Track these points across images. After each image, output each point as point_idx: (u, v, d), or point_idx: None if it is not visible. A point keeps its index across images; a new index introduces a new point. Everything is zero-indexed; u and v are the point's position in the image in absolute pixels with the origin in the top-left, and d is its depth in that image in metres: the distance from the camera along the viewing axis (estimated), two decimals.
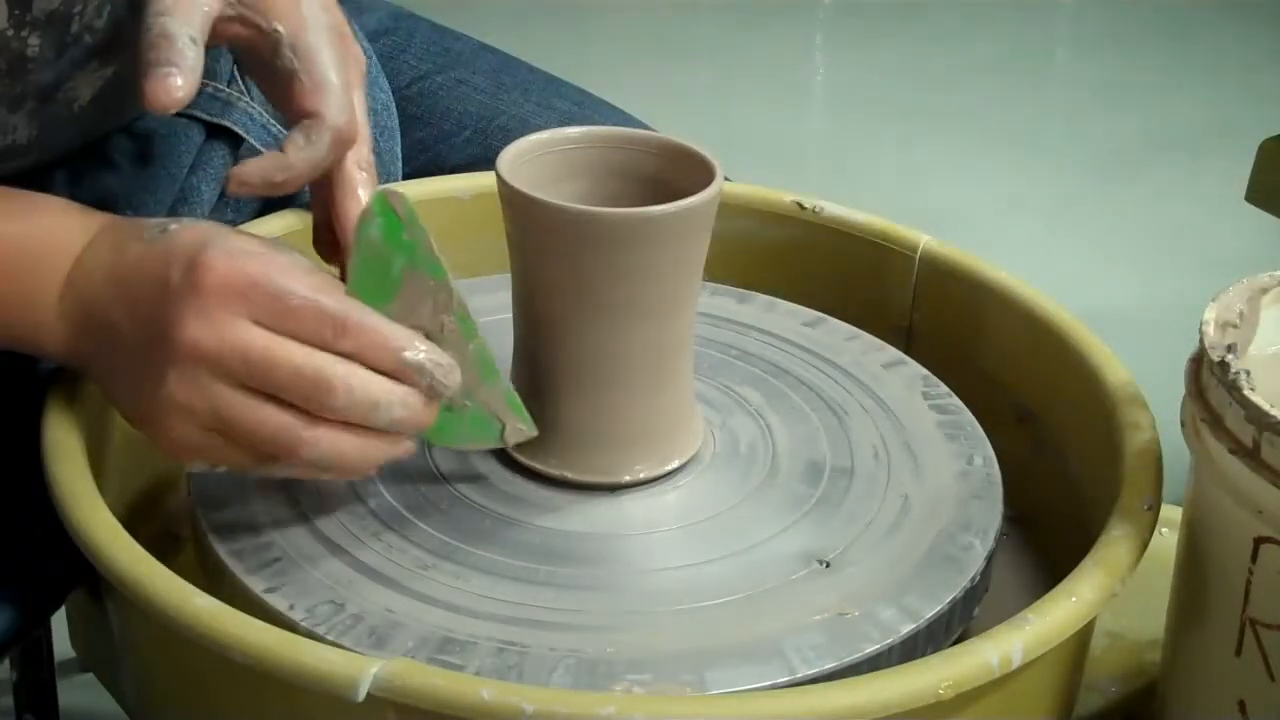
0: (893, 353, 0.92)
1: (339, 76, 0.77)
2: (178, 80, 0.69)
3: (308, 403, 0.68)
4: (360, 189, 0.79)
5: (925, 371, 0.90)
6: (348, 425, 0.69)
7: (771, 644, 0.70)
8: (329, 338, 0.68)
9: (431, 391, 0.70)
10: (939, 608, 0.72)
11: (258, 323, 0.67)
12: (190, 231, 0.70)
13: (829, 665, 0.68)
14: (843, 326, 0.94)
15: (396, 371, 0.69)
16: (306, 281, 0.69)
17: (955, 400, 0.88)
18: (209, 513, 0.76)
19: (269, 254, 0.69)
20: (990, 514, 0.79)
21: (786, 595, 0.73)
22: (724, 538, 0.76)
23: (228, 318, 0.67)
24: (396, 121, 1.03)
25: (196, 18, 0.72)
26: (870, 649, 0.70)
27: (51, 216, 0.76)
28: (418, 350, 0.69)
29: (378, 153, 1.01)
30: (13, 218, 0.75)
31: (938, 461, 0.83)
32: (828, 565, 0.74)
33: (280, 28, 0.76)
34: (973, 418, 0.87)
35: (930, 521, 0.78)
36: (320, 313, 0.68)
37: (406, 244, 0.71)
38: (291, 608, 0.70)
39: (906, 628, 0.71)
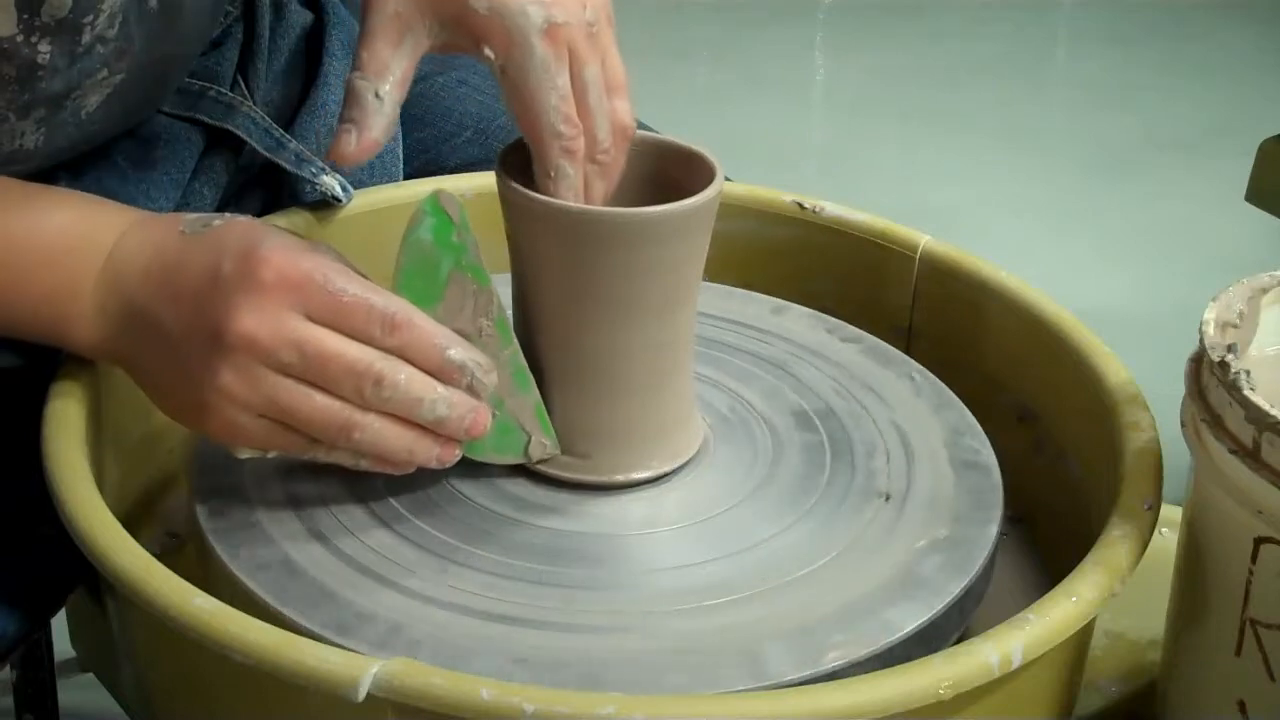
0: (891, 351, 0.92)
1: (549, 93, 0.75)
2: (353, 137, 0.74)
3: (357, 394, 0.70)
4: (555, 172, 0.77)
5: (925, 371, 0.90)
6: (395, 417, 0.71)
7: (771, 643, 0.70)
8: (377, 334, 0.70)
9: (471, 390, 0.72)
10: (939, 608, 0.72)
11: (309, 317, 0.69)
12: (238, 227, 0.72)
13: (829, 665, 0.68)
14: (844, 327, 0.94)
15: (438, 369, 0.71)
16: (358, 280, 0.71)
17: (955, 400, 0.88)
18: (209, 513, 0.76)
19: (319, 252, 0.71)
20: (990, 514, 0.79)
21: (787, 595, 0.73)
22: (724, 537, 0.76)
23: (283, 311, 0.69)
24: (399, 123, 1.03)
25: (390, 73, 0.75)
26: (870, 649, 0.69)
27: (82, 209, 0.77)
28: (459, 350, 0.71)
29: (381, 156, 1.01)
30: (43, 211, 0.76)
31: (937, 461, 0.83)
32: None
33: (489, 52, 0.75)
34: (972, 417, 0.87)
35: (929, 522, 0.78)
36: (370, 310, 0.70)
37: (455, 246, 0.73)
38: (291, 608, 0.70)
39: (906, 628, 0.71)
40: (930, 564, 0.75)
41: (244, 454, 0.73)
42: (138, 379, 0.76)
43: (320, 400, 0.70)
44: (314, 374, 0.70)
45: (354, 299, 0.70)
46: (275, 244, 0.70)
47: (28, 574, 0.83)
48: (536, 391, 0.76)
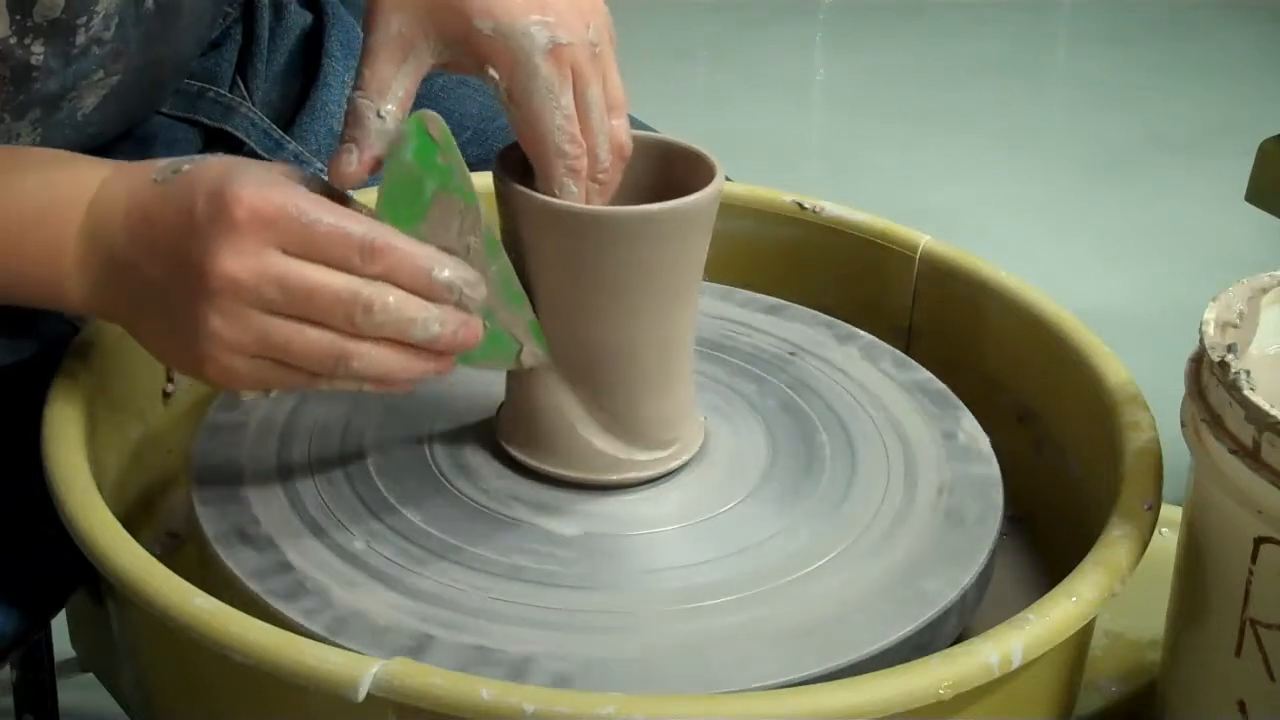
0: (891, 351, 0.92)
1: (554, 113, 0.75)
2: (354, 156, 0.73)
3: (348, 323, 0.69)
4: (560, 190, 0.77)
5: (925, 371, 0.90)
6: (389, 341, 0.71)
7: (771, 643, 0.70)
8: (359, 262, 0.69)
9: (460, 306, 0.71)
10: (939, 608, 0.72)
11: (287, 251, 0.69)
12: (208, 167, 0.71)
13: (829, 665, 0.68)
14: (843, 327, 0.94)
15: (426, 289, 0.71)
16: (331, 208, 0.70)
17: (955, 400, 0.88)
18: (209, 513, 0.76)
19: (292, 182, 0.70)
20: (990, 514, 0.79)
21: (787, 595, 0.73)
22: (724, 537, 0.76)
23: (260, 248, 0.68)
24: None
25: (392, 92, 0.75)
26: (870, 649, 0.70)
27: (61, 166, 0.76)
28: (444, 268, 0.71)
29: None
30: (22, 171, 0.75)
31: (937, 461, 0.83)
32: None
33: (493, 73, 0.75)
34: (972, 417, 0.87)
35: (930, 521, 0.78)
36: (349, 238, 0.69)
37: (440, 168, 0.72)
38: (291, 607, 0.70)
39: (906, 628, 0.71)
40: (930, 564, 0.75)
41: (247, 396, 0.73)
42: (133, 332, 0.75)
43: (312, 334, 0.70)
44: (301, 308, 0.69)
45: (330, 228, 0.69)
46: (245, 180, 0.69)
47: (28, 574, 0.83)
48: (529, 308, 0.76)
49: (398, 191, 0.72)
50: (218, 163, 0.71)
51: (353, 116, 0.75)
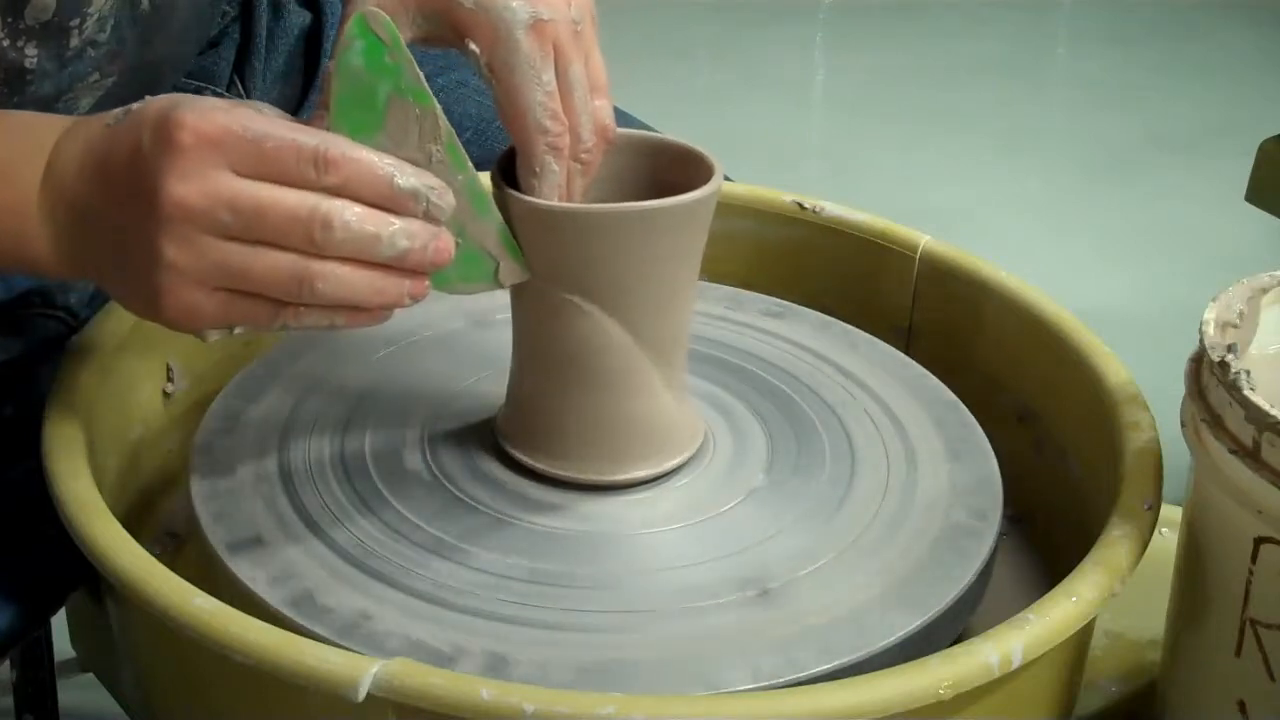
0: (891, 351, 0.92)
1: (535, 88, 0.74)
2: (325, 122, 0.71)
3: (308, 242, 0.66)
4: (541, 168, 0.75)
5: (925, 371, 0.90)
6: (354, 261, 0.67)
7: (771, 643, 0.70)
8: (313, 176, 0.66)
9: (429, 217, 0.68)
10: (939, 608, 0.72)
11: (238, 172, 0.66)
12: (154, 102, 0.68)
13: (829, 665, 0.68)
14: (844, 327, 0.94)
15: (389, 200, 0.67)
16: (281, 123, 0.67)
17: (955, 400, 0.88)
18: (209, 513, 0.76)
19: (236, 104, 0.68)
20: (990, 514, 0.79)
21: (786, 595, 0.73)
22: (724, 538, 0.76)
23: (208, 170, 0.65)
24: None
25: None
26: (870, 649, 0.70)
27: (20, 124, 0.74)
28: (407, 176, 0.67)
29: None
30: None
31: (937, 461, 0.83)
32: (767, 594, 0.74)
33: (474, 46, 0.74)
34: (972, 418, 0.87)
35: (930, 521, 0.78)
36: (300, 150, 0.66)
37: (390, 68, 0.68)
38: (291, 607, 0.70)
39: (906, 628, 0.71)
40: (930, 564, 0.75)
41: (211, 336, 0.69)
42: (101, 283, 0.73)
43: (271, 256, 0.66)
44: (257, 230, 0.66)
45: (279, 142, 0.65)
46: (189, 106, 0.66)
47: (28, 573, 0.83)
48: (498, 214, 0.73)
49: (350, 100, 0.68)
50: (163, 98, 0.69)
51: (326, 84, 0.72)
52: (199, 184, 0.65)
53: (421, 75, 0.68)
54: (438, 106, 0.69)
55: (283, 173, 0.66)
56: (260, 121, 0.66)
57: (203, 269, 0.66)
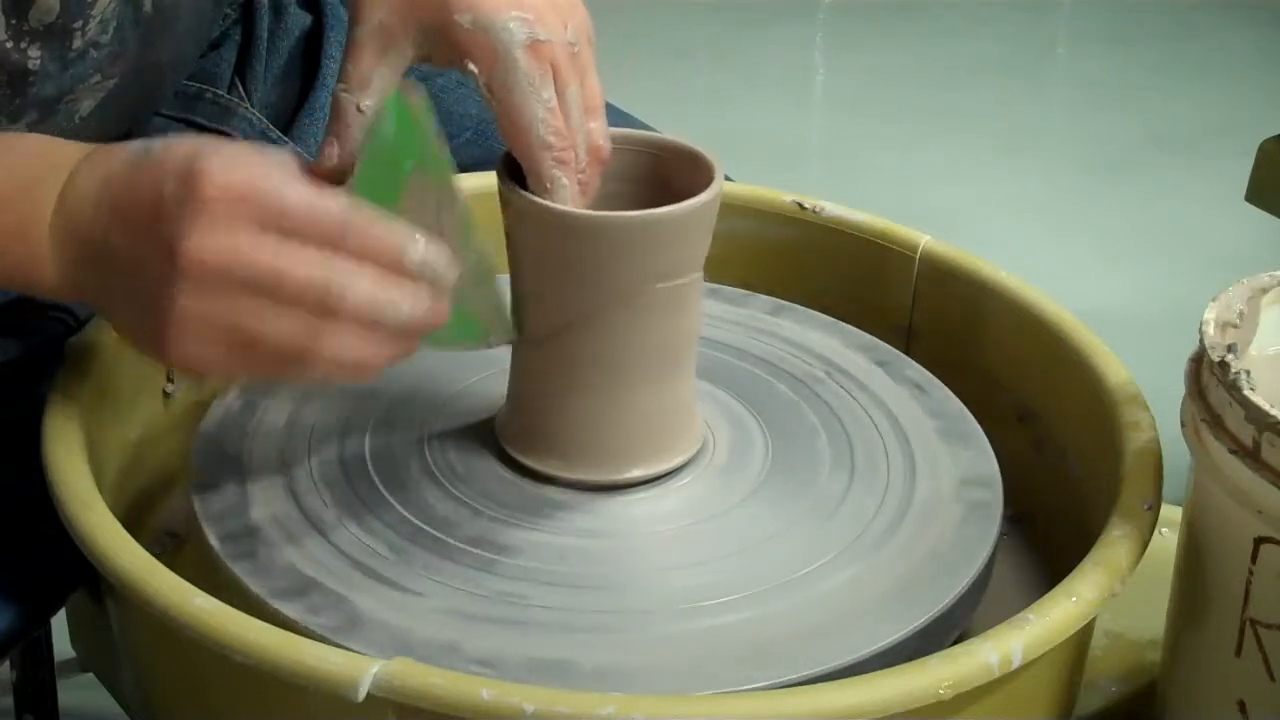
0: (891, 352, 0.92)
1: (536, 105, 0.75)
2: (334, 150, 0.73)
3: (320, 307, 0.67)
4: (552, 184, 0.76)
5: (924, 371, 0.90)
6: (360, 325, 0.68)
7: (771, 643, 0.70)
8: (332, 241, 0.67)
9: (434, 288, 0.69)
10: (939, 608, 0.72)
11: (261, 227, 0.67)
12: (178, 147, 0.69)
13: (829, 665, 0.68)
14: (843, 327, 0.94)
15: (398, 268, 0.68)
16: (306, 184, 0.68)
17: (954, 400, 0.88)
18: (209, 514, 0.76)
19: (263, 159, 0.69)
20: (990, 514, 0.79)
21: (786, 596, 0.73)
22: (724, 538, 0.76)
23: (231, 225, 0.66)
24: None
25: (373, 86, 0.75)
26: (870, 649, 0.70)
27: (36, 148, 0.75)
28: (417, 248, 0.69)
29: None
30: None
31: (937, 461, 0.83)
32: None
33: (472, 66, 0.75)
34: (972, 418, 0.87)
35: (930, 521, 0.78)
36: (322, 217, 0.67)
37: (418, 143, 0.70)
38: (291, 607, 0.70)
39: (906, 628, 0.71)
40: (930, 564, 0.75)
41: (211, 384, 0.71)
42: (103, 313, 0.74)
43: (283, 319, 0.67)
44: (271, 290, 0.67)
45: (304, 207, 0.67)
46: (215, 157, 0.67)
47: (28, 573, 0.83)
48: (498, 286, 0.75)
49: (376, 169, 0.70)
50: (188, 142, 0.70)
51: (335, 111, 0.74)
52: (221, 240, 0.66)
53: (446, 147, 0.71)
54: (456, 180, 0.71)
55: (304, 235, 0.67)
56: (286, 181, 0.67)
57: (216, 324, 0.67)
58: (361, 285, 0.67)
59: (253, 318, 0.67)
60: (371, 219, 0.68)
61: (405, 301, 0.68)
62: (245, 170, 0.67)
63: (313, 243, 0.67)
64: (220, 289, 0.67)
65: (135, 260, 0.68)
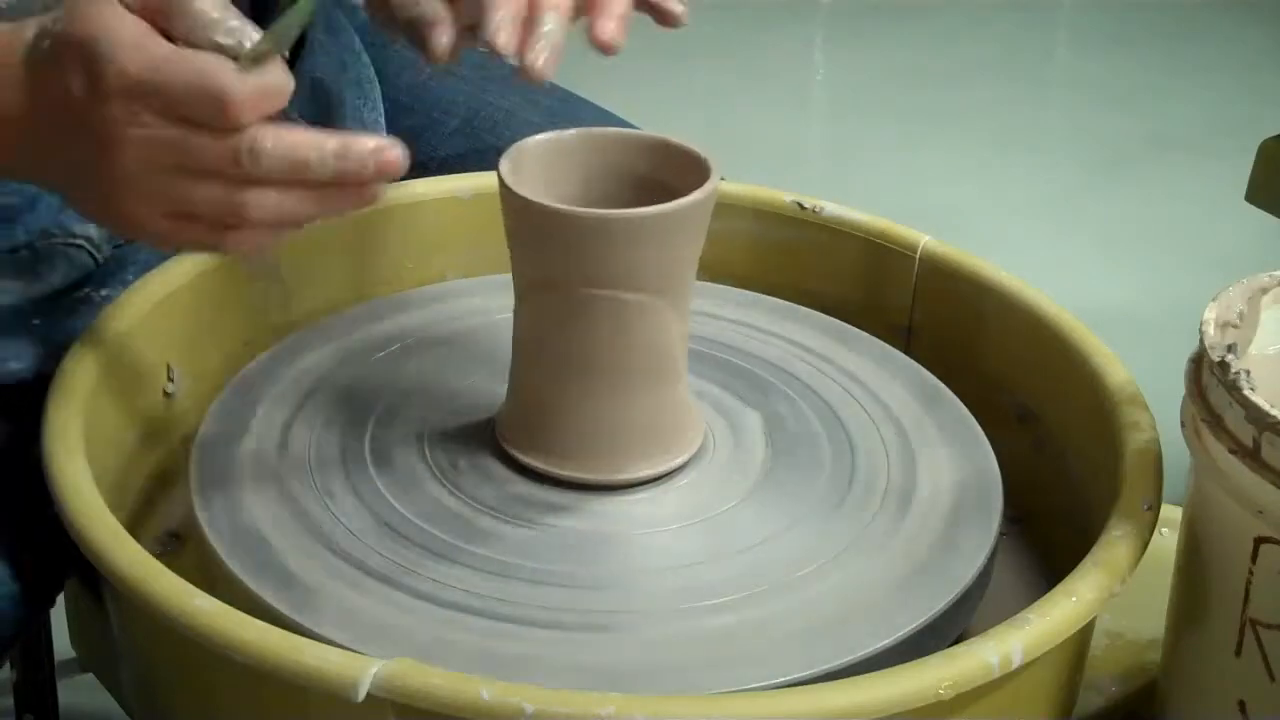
0: (891, 352, 0.92)
1: None
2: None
3: (238, 178, 0.69)
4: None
5: (925, 371, 0.90)
6: (289, 183, 0.69)
7: (771, 643, 0.70)
8: (225, 114, 0.68)
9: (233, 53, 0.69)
10: (939, 608, 0.72)
11: (164, 120, 0.68)
12: (70, 39, 0.69)
13: (829, 665, 0.68)
14: (843, 327, 0.94)
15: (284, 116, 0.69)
16: (201, 58, 0.68)
17: (955, 400, 0.88)
18: (209, 513, 0.76)
19: (150, 40, 0.69)
20: (990, 514, 0.79)
21: (786, 596, 0.73)
22: (724, 537, 0.76)
23: (139, 118, 0.68)
24: (379, 93, 1.03)
25: None
26: (870, 649, 0.70)
27: None
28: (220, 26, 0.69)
29: (362, 123, 1.01)
30: None
31: (937, 461, 0.83)
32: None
33: None
34: (972, 418, 0.87)
35: (930, 521, 0.78)
36: (213, 95, 0.68)
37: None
38: (292, 607, 0.70)
39: (906, 628, 0.71)
40: (930, 564, 0.75)
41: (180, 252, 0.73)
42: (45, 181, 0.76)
43: (206, 186, 0.69)
44: (193, 167, 0.69)
45: (200, 90, 0.67)
46: (110, 45, 0.68)
47: (27, 553, 0.83)
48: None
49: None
50: (79, 34, 0.69)
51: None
52: (135, 133, 0.68)
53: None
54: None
55: (199, 118, 0.68)
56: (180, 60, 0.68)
57: (160, 201, 0.69)
58: (269, 142, 0.68)
59: (181, 188, 0.69)
60: (261, 86, 0.68)
61: (332, 155, 0.69)
62: (136, 58, 0.67)
63: (211, 121, 0.68)
64: (154, 174, 0.69)
65: (67, 147, 0.70)
